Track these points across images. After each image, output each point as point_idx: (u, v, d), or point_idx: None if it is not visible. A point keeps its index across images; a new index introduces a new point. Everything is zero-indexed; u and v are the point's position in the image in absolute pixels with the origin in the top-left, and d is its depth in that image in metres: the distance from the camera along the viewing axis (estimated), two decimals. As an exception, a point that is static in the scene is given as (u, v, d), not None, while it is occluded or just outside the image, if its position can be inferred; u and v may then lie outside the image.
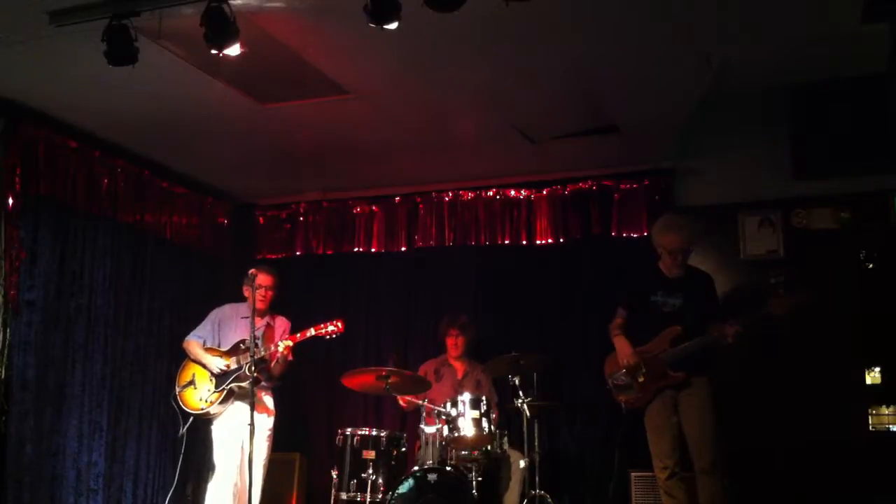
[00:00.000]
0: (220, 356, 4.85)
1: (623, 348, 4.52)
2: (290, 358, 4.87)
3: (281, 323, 5.07)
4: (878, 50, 3.46)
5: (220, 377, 4.77)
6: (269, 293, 4.95)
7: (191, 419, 4.82)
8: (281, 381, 5.03)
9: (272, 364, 4.82)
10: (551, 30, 3.82)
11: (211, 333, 4.97)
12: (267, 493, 4.94)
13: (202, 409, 4.77)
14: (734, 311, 4.42)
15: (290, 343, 4.74)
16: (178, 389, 4.85)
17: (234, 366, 4.77)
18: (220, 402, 4.74)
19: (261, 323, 4.89)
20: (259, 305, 4.81)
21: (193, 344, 4.94)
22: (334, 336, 4.79)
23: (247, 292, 4.85)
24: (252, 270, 4.65)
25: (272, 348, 4.73)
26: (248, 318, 4.78)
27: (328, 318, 4.79)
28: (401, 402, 5.17)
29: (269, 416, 4.95)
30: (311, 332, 4.76)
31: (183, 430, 4.80)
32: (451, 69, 4.29)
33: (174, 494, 5.15)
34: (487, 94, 4.63)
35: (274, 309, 5.07)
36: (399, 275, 6.31)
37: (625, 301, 4.67)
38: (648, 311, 4.51)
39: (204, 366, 4.84)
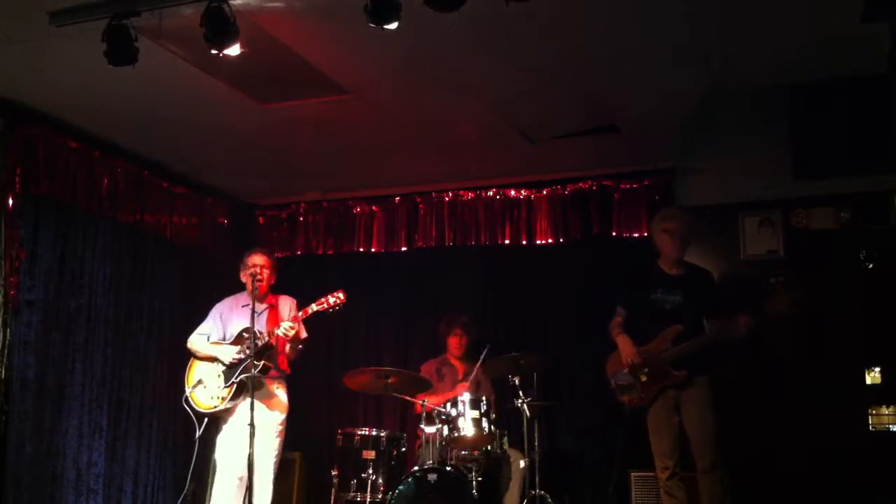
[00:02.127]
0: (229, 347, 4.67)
1: (626, 347, 4.51)
2: (303, 336, 4.67)
3: (285, 302, 4.86)
4: (879, 50, 3.45)
5: (229, 372, 4.56)
6: (266, 272, 4.73)
7: (206, 420, 4.60)
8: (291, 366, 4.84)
9: (283, 348, 4.64)
10: (551, 30, 3.81)
11: (215, 328, 4.80)
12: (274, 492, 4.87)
13: (215, 408, 4.56)
14: (734, 310, 4.42)
15: (294, 324, 4.54)
16: (188, 391, 4.63)
17: (242, 356, 4.53)
18: (232, 398, 4.54)
19: (261, 307, 4.71)
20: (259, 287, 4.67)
21: (198, 341, 4.76)
22: (338, 308, 4.54)
23: (244, 277, 4.80)
24: (247, 255, 4.71)
25: (276, 332, 4.52)
26: (248, 305, 4.57)
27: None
28: (416, 408, 4.99)
29: (281, 412, 4.71)
30: (313, 307, 4.54)
31: (200, 433, 4.54)
32: (450, 69, 4.29)
33: (184, 500, 4.91)
34: (487, 94, 4.63)
35: (275, 291, 4.87)
36: (399, 275, 6.30)
37: (625, 299, 4.67)
38: (649, 310, 4.52)
39: (215, 358, 4.62)
